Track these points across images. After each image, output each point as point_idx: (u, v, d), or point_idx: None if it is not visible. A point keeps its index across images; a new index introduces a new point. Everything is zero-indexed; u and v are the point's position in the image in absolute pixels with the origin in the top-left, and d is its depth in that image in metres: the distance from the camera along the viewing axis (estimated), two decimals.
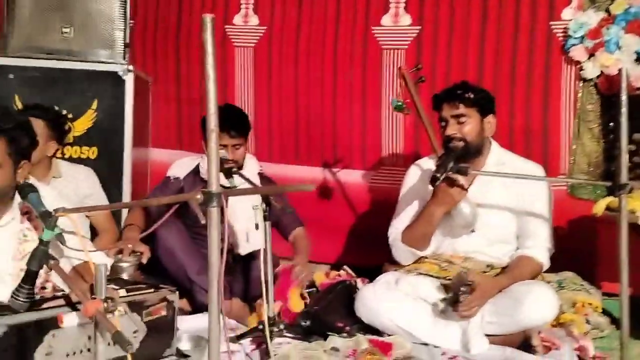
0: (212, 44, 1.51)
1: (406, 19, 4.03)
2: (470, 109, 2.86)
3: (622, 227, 2.40)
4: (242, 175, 2.98)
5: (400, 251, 2.97)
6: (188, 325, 2.75)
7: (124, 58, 3.77)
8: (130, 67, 3.74)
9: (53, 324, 1.81)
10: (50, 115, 3.30)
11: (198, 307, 3.07)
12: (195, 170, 3.34)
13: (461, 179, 2.77)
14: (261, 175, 3.47)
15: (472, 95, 2.85)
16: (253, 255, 3.04)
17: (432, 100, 2.94)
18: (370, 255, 3.80)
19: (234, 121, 3.17)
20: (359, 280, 3.34)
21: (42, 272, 1.98)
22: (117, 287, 2.01)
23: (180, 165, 3.36)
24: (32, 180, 2.34)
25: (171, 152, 4.38)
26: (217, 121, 1.54)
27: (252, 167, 3.35)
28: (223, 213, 1.53)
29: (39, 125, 3.09)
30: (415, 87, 2.94)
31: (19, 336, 1.76)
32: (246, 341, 2.72)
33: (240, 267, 3.20)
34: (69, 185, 3.31)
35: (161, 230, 2.96)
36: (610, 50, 3.54)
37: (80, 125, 3.75)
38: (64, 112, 3.66)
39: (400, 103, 2.96)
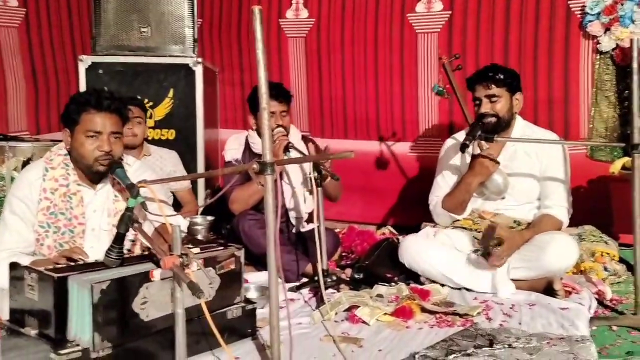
0: (261, 32, 1.51)
1: (438, 5, 3.93)
2: (501, 88, 2.81)
3: (635, 183, 2.33)
4: (297, 150, 2.98)
5: (441, 216, 2.96)
6: (255, 278, 2.83)
7: (194, 52, 3.79)
8: (199, 60, 3.77)
9: (146, 278, 1.85)
10: (140, 102, 3.37)
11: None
12: (247, 146, 3.26)
13: (490, 149, 2.74)
14: (304, 138, 3.38)
15: (502, 76, 2.80)
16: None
17: (466, 82, 2.90)
18: (410, 215, 3.79)
19: (278, 89, 3.12)
20: (400, 238, 3.33)
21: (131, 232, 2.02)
22: (192, 246, 2.06)
23: (232, 147, 3.26)
24: (126, 157, 2.44)
25: (237, 132, 4.39)
26: (268, 100, 1.55)
27: (296, 133, 3.28)
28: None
29: (137, 111, 3.17)
30: (453, 74, 2.91)
31: (119, 288, 1.81)
32: (305, 291, 2.76)
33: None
34: (157, 162, 3.39)
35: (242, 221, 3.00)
36: (625, 24, 3.40)
37: (160, 111, 3.81)
38: (145, 100, 3.73)
39: (441, 89, 2.94)
